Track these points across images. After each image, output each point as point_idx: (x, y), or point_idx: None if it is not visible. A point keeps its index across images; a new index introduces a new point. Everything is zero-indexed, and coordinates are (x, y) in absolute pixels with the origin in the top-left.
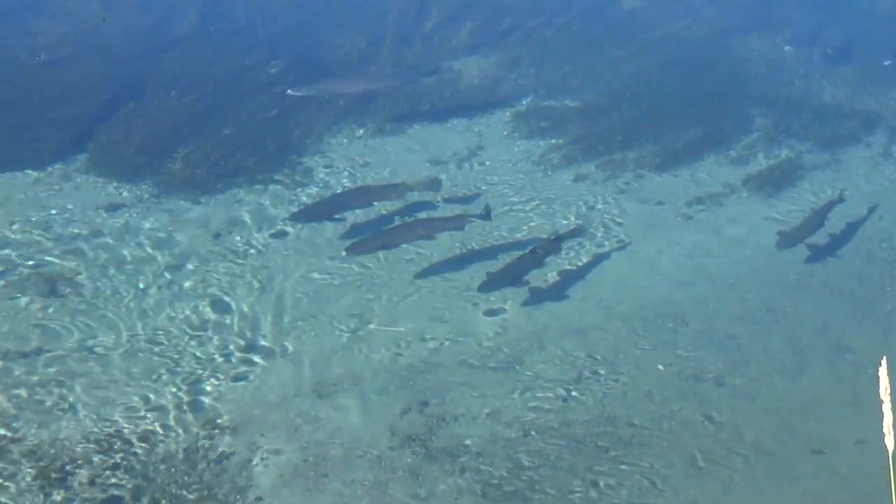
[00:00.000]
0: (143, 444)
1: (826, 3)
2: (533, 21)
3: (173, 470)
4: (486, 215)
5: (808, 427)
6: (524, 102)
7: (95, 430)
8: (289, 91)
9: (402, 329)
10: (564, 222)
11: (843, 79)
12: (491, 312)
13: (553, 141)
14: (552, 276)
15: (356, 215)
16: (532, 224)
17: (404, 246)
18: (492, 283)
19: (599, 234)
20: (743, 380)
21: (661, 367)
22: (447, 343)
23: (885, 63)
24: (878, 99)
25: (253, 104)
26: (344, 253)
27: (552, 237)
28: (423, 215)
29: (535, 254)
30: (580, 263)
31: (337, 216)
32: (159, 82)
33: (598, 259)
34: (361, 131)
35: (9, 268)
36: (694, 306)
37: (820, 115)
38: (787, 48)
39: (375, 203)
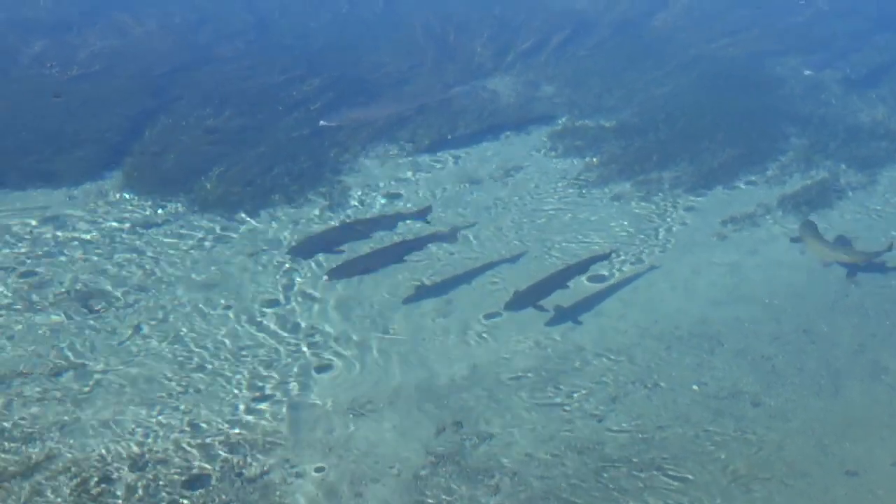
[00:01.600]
0: (178, 462)
1: (867, 28)
2: (568, 41)
3: (209, 489)
4: (453, 236)
5: (843, 448)
6: (560, 122)
7: (131, 447)
8: (322, 122)
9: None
10: (599, 241)
11: (880, 98)
12: (525, 332)
13: (589, 160)
14: (586, 296)
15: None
16: (567, 244)
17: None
18: (518, 303)
19: (634, 254)
20: (778, 400)
21: (696, 387)
22: (482, 362)
23: None
24: None
25: (288, 122)
26: (325, 278)
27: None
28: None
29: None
30: (615, 283)
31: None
32: (194, 99)
33: (632, 278)
34: (397, 150)
35: (44, 284)
36: (729, 326)
37: (856, 135)
38: (806, 72)
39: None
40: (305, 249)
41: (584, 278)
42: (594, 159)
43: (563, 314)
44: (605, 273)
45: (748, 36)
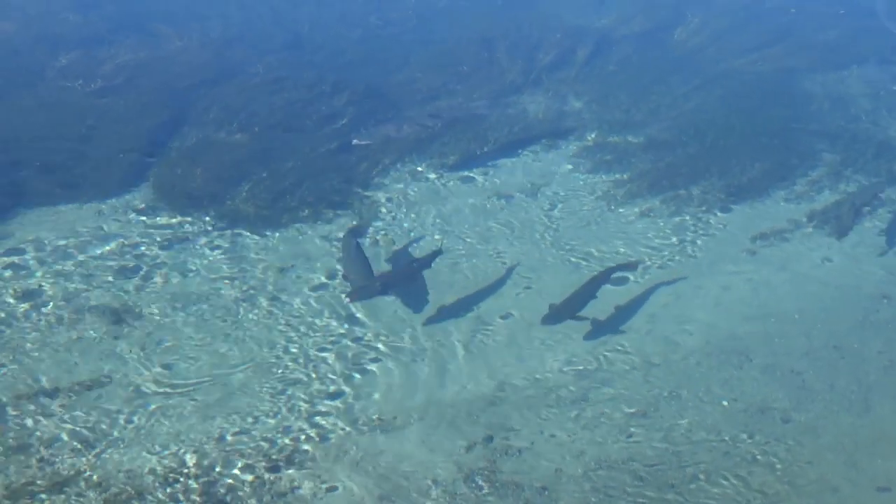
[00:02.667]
0: (208, 478)
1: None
2: (593, 56)
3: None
4: (438, 252)
5: (874, 464)
6: (588, 137)
7: (161, 462)
8: (354, 141)
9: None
10: (628, 256)
11: None
12: (555, 347)
13: (618, 175)
14: (616, 311)
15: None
16: (596, 257)
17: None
18: (555, 317)
19: (664, 269)
20: (808, 416)
21: (725, 402)
22: (512, 378)
23: None
24: None
25: (317, 137)
26: (347, 299)
27: (620, 266)
28: None
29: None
30: (645, 298)
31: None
32: (221, 113)
33: (662, 293)
34: (425, 165)
35: (75, 299)
36: (759, 342)
37: (886, 150)
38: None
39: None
40: (364, 294)
41: (618, 292)
42: (623, 174)
43: (600, 327)
44: (638, 287)
45: (774, 51)
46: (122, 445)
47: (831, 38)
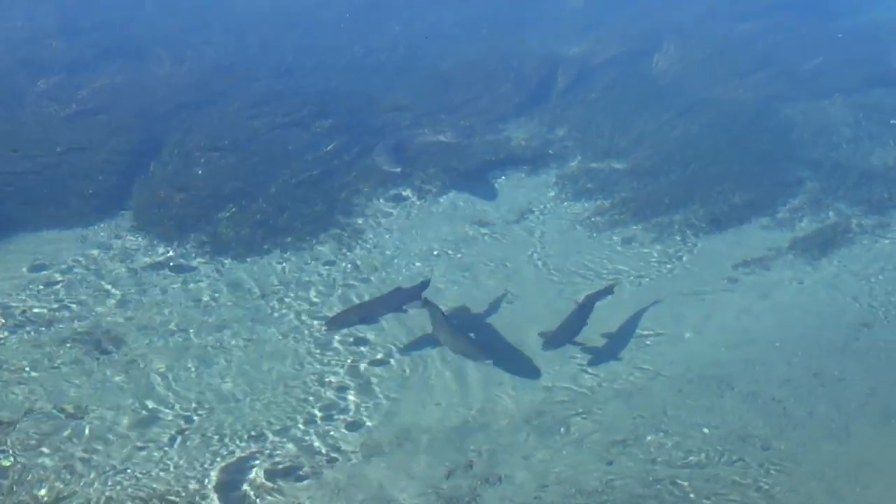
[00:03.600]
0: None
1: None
2: (575, 84)
3: None
4: (425, 284)
5: (854, 492)
6: (571, 164)
7: (141, 491)
8: (385, 168)
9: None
10: (607, 283)
11: (891, 142)
12: (535, 375)
13: (600, 203)
14: (597, 338)
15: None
16: (579, 284)
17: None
18: (554, 342)
19: (645, 297)
20: (789, 443)
21: (706, 430)
22: (492, 405)
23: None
24: None
25: (299, 164)
26: (324, 328)
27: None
28: None
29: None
30: (626, 325)
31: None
32: (203, 138)
33: (644, 321)
34: (409, 191)
35: (56, 325)
36: (740, 369)
37: (867, 179)
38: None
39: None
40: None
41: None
42: (606, 202)
43: (601, 354)
44: (619, 315)
45: (757, 79)
46: (102, 472)
47: (815, 66)
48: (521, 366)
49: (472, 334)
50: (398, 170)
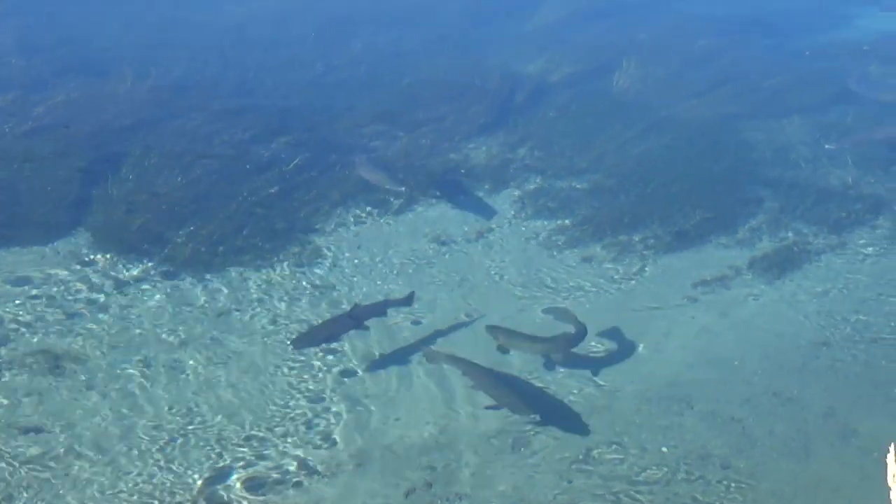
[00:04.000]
0: None
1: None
2: (534, 102)
3: None
4: (409, 301)
5: None
6: (532, 183)
7: None
8: (387, 187)
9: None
10: (566, 303)
11: (850, 162)
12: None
13: (560, 222)
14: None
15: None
16: (539, 301)
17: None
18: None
19: (604, 316)
20: (748, 463)
21: (664, 449)
22: (453, 422)
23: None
24: (884, 183)
25: (258, 181)
26: (291, 347)
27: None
28: None
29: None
30: (586, 345)
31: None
32: (161, 156)
33: (603, 340)
34: (369, 209)
35: (14, 344)
36: (699, 388)
37: (826, 198)
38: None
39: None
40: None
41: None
42: (566, 220)
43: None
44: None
45: (717, 98)
46: (58, 491)
47: (774, 85)
48: (568, 420)
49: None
50: (402, 189)
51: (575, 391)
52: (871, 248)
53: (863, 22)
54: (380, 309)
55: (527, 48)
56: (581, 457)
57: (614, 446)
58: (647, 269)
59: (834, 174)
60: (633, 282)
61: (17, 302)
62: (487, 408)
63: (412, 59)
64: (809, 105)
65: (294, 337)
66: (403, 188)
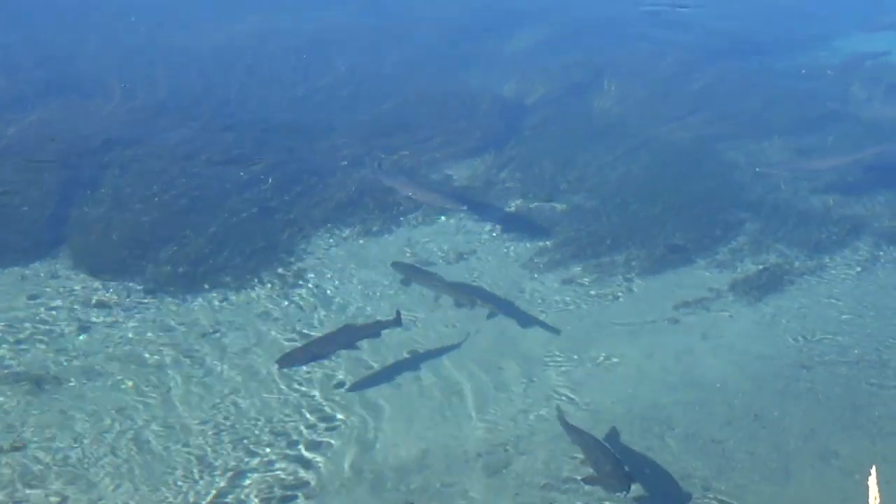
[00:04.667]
0: None
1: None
2: (517, 124)
3: None
4: (397, 321)
5: None
6: (513, 205)
7: None
8: (388, 185)
9: None
10: (545, 323)
11: (830, 184)
12: (479, 415)
13: (541, 244)
14: (539, 380)
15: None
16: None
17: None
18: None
19: (585, 338)
20: (729, 485)
21: (647, 470)
22: (436, 444)
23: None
24: (864, 204)
25: (236, 201)
26: (276, 366)
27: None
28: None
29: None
30: (565, 366)
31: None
32: (139, 176)
33: (585, 362)
34: (349, 231)
35: None
36: (681, 411)
37: (806, 221)
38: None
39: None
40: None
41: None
42: (547, 242)
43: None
44: (559, 357)
45: (698, 119)
46: None
47: (755, 107)
48: (670, 491)
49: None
50: (464, 207)
51: (551, 413)
52: (850, 271)
53: (842, 43)
54: (371, 330)
55: (505, 70)
56: (564, 477)
57: None
58: (628, 290)
59: (814, 197)
60: (614, 304)
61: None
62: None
63: (392, 82)
64: (789, 127)
65: (280, 356)
66: (465, 206)
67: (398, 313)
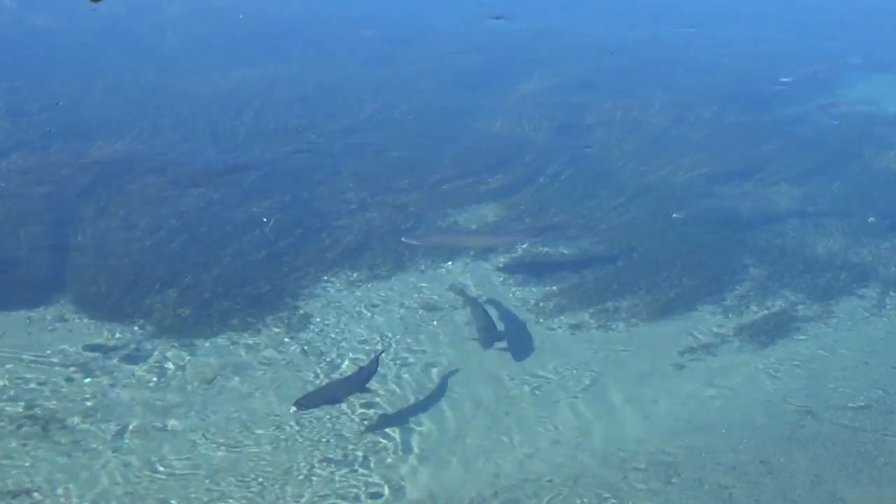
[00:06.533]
0: None
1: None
2: (524, 170)
3: None
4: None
5: None
6: (520, 249)
7: None
8: (403, 239)
9: None
10: (556, 370)
11: (837, 230)
12: (481, 461)
13: (548, 288)
14: (544, 422)
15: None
16: (526, 370)
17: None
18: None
19: (592, 382)
20: None
21: None
22: (435, 489)
23: (870, 220)
24: (870, 251)
25: (240, 245)
26: (293, 409)
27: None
28: None
29: None
30: (573, 411)
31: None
32: (140, 218)
33: (592, 407)
34: (356, 275)
35: (2, 407)
36: (686, 455)
37: (812, 266)
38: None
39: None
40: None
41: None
42: (553, 287)
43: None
44: (567, 399)
45: (703, 166)
46: None
47: (762, 153)
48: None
49: None
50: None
51: (560, 457)
52: (857, 317)
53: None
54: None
55: (512, 116)
56: None
57: None
58: (633, 336)
59: (821, 243)
60: (619, 349)
61: (6, 366)
62: None
63: (399, 128)
64: (796, 173)
65: (298, 398)
66: (415, 242)
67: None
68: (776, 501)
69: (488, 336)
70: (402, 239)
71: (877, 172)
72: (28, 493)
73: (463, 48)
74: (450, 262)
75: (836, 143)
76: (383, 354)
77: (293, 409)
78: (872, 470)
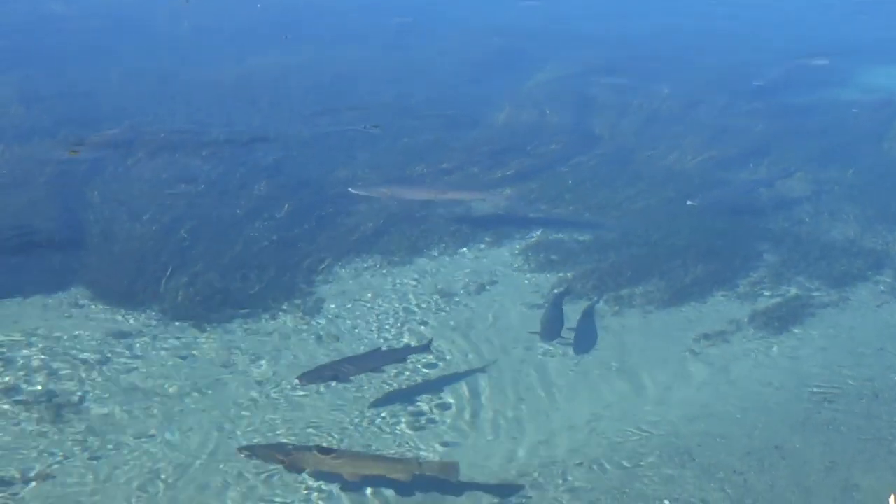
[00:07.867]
0: None
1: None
2: (539, 157)
3: None
4: (427, 348)
5: None
6: (534, 236)
7: None
8: (349, 189)
9: None
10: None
11: (852, 216)
12: (497, 444)
13: (562, 275)
14: (560, 408)
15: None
16: (543, 353)
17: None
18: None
19: (606, 369)
20: None
21: (666, 502)
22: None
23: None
24: (885, 238)
25: (251, 230)
26: (297, 381)
27: None
28: None
29: None
30: (587, 396)
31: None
32: (150, 206)
33: (605, 392)
34: (371, 262)
35: (17, 392)
36: (701, 441)
37: (828, 253)
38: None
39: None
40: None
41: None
42: (568, 273)
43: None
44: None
45: (717, 153)
46: None
47: (777, 141)
48: None
49: None
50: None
51: (573, 443)
52: (872, 303)
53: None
54: (399, 355)
55: (527, 104)
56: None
57: (615, 499)
58: (647, 322)
59: (836, 229)
60: (634, 336)
61: (21, 351)
62: None
63: (414, 116)
64: (811, 160)
65: (303, 372)
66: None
67: (430, 341)
68: (790, 487)
69: (550, 331)
70: (349, 189)
71: (893, 159)
72: (44, 477)
73: (479, 37)
74: (465, 248)
75: (852, 130)
76: (433, 341)
77: (296, 381)
78: (887, 456)
